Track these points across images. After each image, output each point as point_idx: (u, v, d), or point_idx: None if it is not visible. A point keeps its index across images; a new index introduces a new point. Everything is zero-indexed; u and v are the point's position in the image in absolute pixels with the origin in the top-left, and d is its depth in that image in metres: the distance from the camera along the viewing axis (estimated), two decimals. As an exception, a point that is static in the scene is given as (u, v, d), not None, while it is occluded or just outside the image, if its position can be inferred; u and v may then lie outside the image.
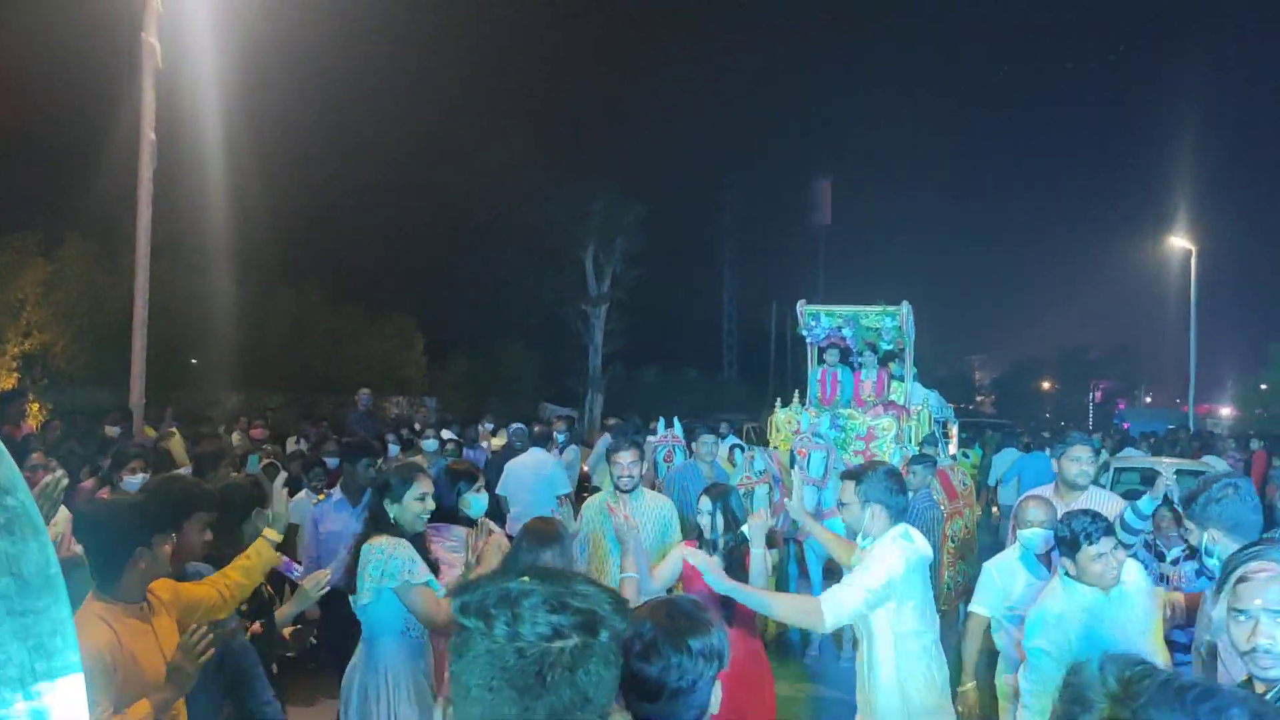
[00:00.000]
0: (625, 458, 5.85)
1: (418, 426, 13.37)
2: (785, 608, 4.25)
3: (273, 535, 4.04)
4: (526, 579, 1.39)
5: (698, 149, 31.26)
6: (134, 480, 7.12)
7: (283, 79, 19.83)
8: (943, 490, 8.23)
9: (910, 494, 7.66)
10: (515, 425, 10.61)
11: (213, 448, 7.66)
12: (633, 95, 28.34)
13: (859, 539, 4.29)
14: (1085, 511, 3.94)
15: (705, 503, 4.90)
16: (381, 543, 4.04)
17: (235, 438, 10.46)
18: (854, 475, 4.31)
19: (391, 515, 4.17)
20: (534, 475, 8.86)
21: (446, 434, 11.15)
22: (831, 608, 3.93)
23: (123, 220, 12.93)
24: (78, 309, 16.43)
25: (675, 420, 9.04)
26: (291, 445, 11.30)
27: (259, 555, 3.91)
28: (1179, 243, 28.32)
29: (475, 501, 4.86)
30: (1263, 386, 30.73)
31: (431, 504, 4.29)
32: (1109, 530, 3.85)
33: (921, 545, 4.06)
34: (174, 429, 9.78)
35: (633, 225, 29.96)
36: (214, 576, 3.68)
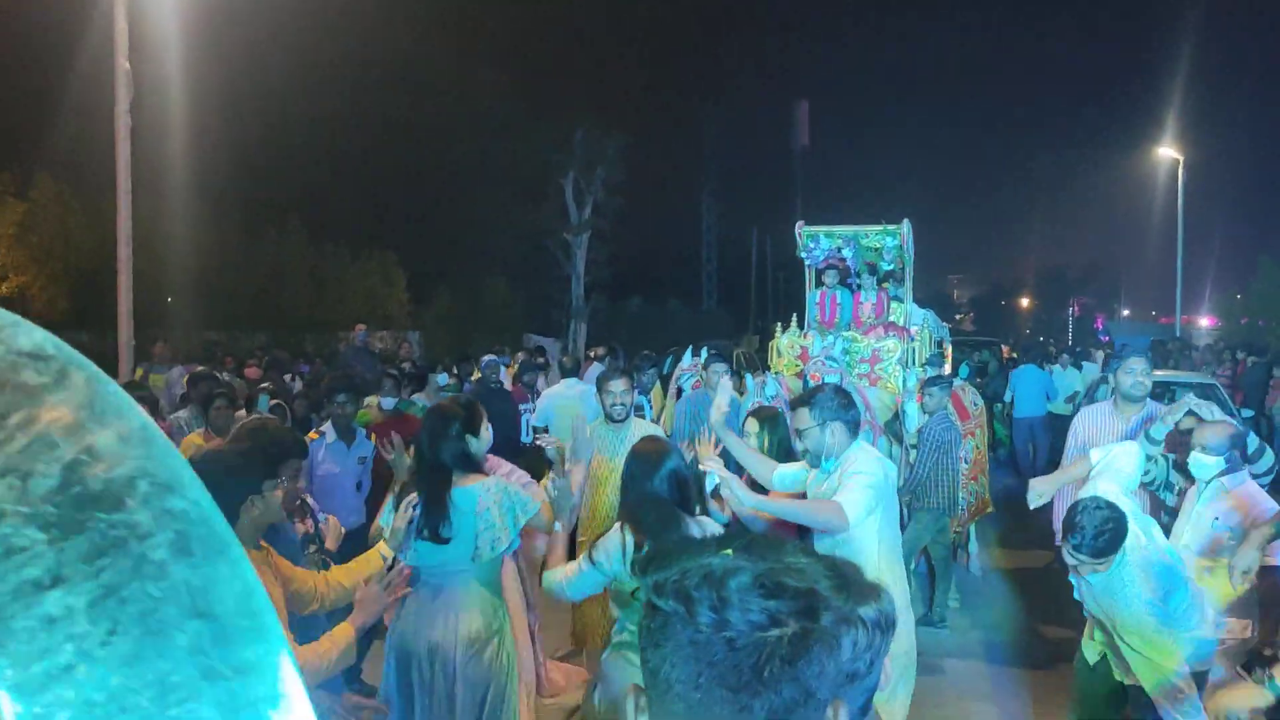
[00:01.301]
0: (617, 386, 5.78)
1: (405, 365, 13.13)
2: (808, 511, 4.19)
3: (386, 551, 3.77)
4: (731, 552, 1.19)
5: (677, 76, 30.78)
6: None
7: (259, 13, 19.22)
8: (955, 410, 8.19)
9: (926, 416, 7.66)
10: (488, 358, 10.39)
11: (210, 387, 7.52)
12: (611, 22, 27.75)
13: (822, 460, 4.22)
14: None
15: (753, 424, 4.87)
16: (497, 482, 3.97)
17: (224, 377, 10.27)
18: (804, 401, 4.24)
19: (473, 450, 4.06)
20: (581, 404, 8.73)
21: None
22: (849, 505, 3.90)
23: (96, 158, 12.55)
24: (53, 250, 16.06)
25: (704, 350, 8.93)
26: (287, 382, 11.11)
27: (368, 564, 3.70)
28: (1166, 152, 28.13)
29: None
30: (1238, 296, 30.88)
31: (491, 434, 4.23)
32: None
33: (882, 457, 4.25)
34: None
35: (613, 154, 29.60)
36: (319, 574, 3.60)
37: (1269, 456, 5.21)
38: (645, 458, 3.81)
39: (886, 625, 1.80)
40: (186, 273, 17.58)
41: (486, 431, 4.18)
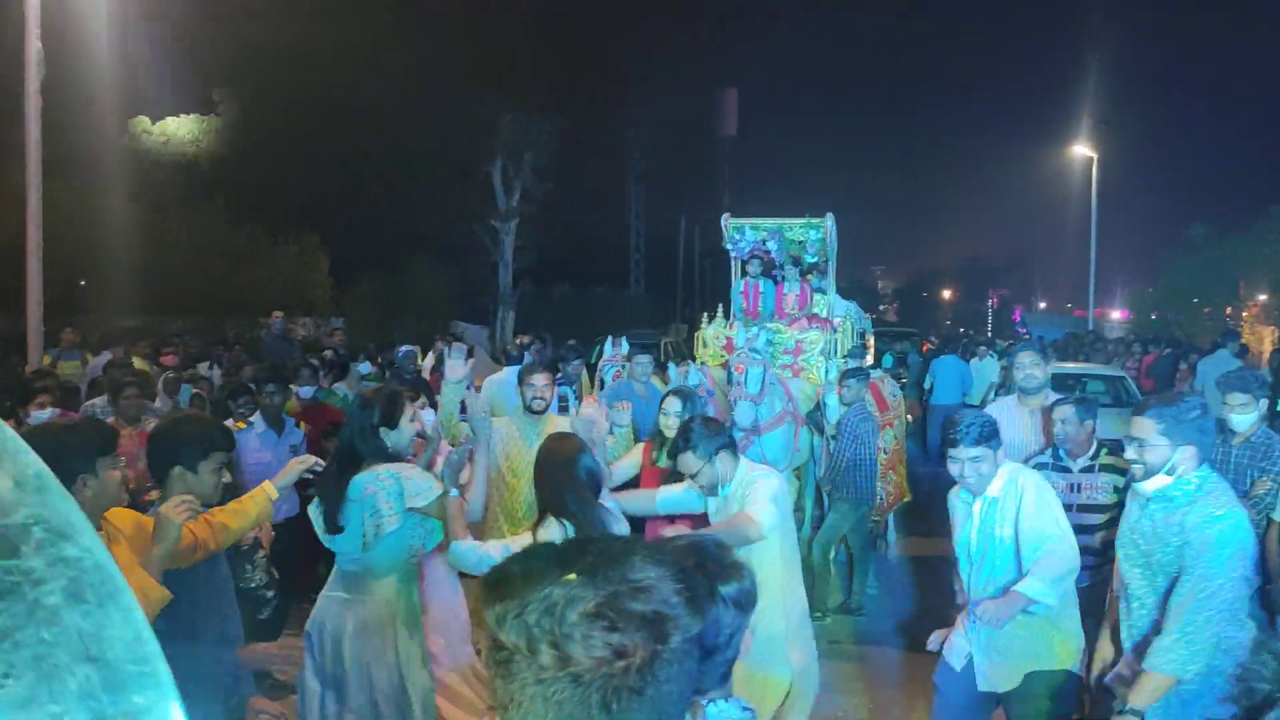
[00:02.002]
0: (539, 380, 5.81)
1: (328, 353, 12.91)
2: (728, 532, 4.02)
3: (271, 492, 3.72)
4: (574, 576, 1.13)
5: (605, 61, 30.59)
6: (41, 415, 6.76)
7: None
8: (874, 401, 8.34)
9: (844, 407, 7.79)
10: (404, 348, 10.29)
11: (122, 375, 7.34)
12: (539, 6, 27.49)
13: (719, 489, 4.27)
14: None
15: (674, 403, 4.93)
16: (388, 469, 3.92)
17: (141, 364, 10.01)
18: (684, 447, 4.20)
19: (388, 444, 4.04)
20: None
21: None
22: (761, 514, 3.97)
23: (6, 139, 12.12)
24: (-39, 233, 15.46)
25: (623, 339, 8.94)
26: (204, 371, 10.88)
27: (254, 504, 3.63)
28: (1081, 150, 28.90)
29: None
30: (1149, 290, 31.87)
31: (419, 425, 4.20)
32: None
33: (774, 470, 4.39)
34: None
35: (541, 139, 29.41)
36: (196, 521, 3.39)
37: None
38: (559, 453, 3.85)
39: (747, 602, 1.89)
40: (100, 256, 17.08)
41: (408, 424, 4.16)
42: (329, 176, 25.65)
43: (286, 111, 24.32)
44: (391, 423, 4.06)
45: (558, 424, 5.81)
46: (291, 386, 7.91)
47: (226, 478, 3.55)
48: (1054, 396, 5.72)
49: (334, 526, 3.94)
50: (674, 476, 4.49)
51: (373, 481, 3.89)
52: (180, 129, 23.99)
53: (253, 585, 4.07)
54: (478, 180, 29.24)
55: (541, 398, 5.75)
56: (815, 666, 4.42)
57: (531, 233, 30.87)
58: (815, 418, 8.16)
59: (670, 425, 4.92)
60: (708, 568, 1.88)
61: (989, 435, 3.92)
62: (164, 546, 3.00)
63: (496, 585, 1.16)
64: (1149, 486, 3.48)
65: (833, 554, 7.84)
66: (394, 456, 4.05)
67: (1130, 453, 3.53)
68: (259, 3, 21.48)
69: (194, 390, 7.79)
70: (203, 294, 19.92)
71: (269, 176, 24.12)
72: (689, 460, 4.14)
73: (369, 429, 4.03)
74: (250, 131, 24.07)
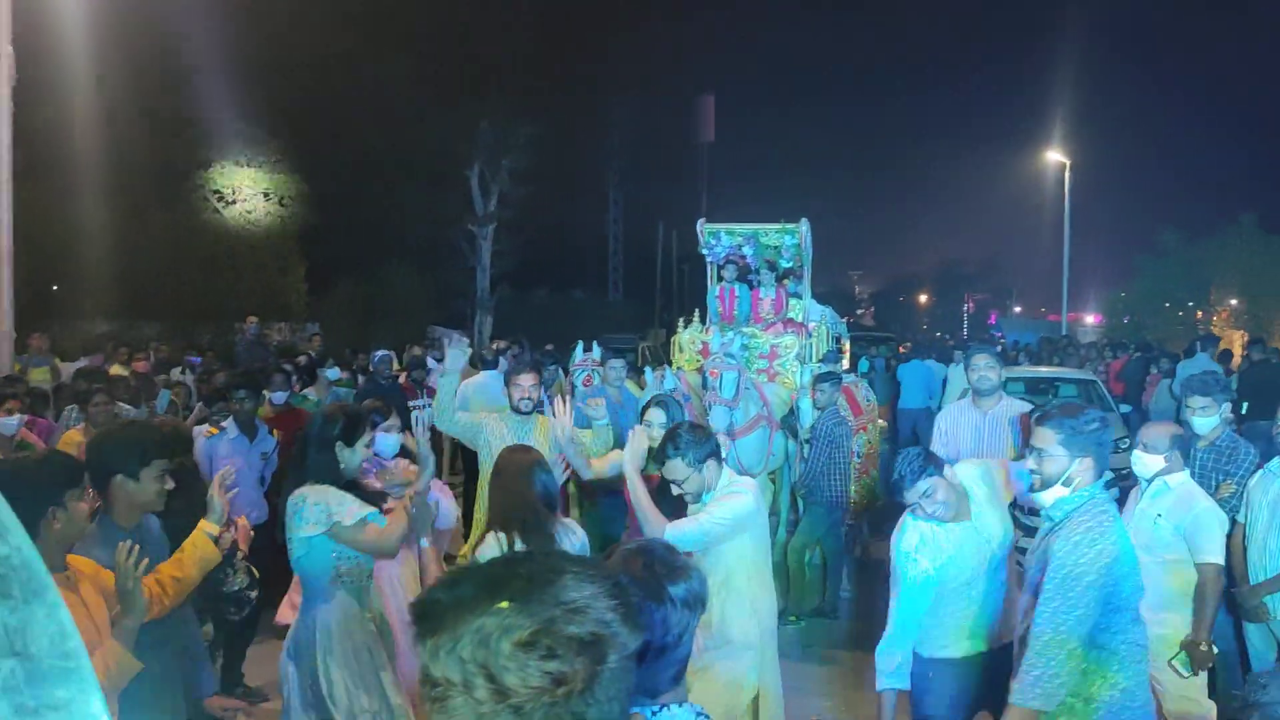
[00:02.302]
0: (526, 380, 5.85)
1: (302, 358, 12.83)
2: (644, 517, 4.23)
3: (210, 528, 3.66)
4: (505, 605, 1.10)
5: (584, 67, 30.57)
6: (10, 421, 6.70)
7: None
8: (848, 406, 8.38)
9: (818, 411, 7.82)
10: (380, 353, 10.24)
11: (91, 382, 7.29)
12: (518, 11, 27.46)
13: (703, 497, 4.27)
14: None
15: (657, 414, 4.96)
16: (304, 492, 3.84)
17: (120, 369, 9.93)
18: (671, 453, 4.19)
19: (341, 461, 3.95)
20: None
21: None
22: (672, 533, 3.99)
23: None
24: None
25: (595, 344, 8.94)
26: (176, 376, 10.82)
27: (195, 549, 3.56)
28: (1055, 156, 29.17)
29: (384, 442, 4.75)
30: (1122, 294, 32.15)
31: (373, 449, 4.17)
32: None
33: (754, 484, 4.38)
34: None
35: (520, 144, 29.37)
36: (147, 576, 3.29)
37: (1248, 455, 5.39)
38: (515, 465, 3.83)
39: (695, 603, 1.89)
40: (73, 261, 16.94)
41: (364, 447, 4.05)
42: (306, 180, 25.55)
43: (261, 114, 24.20)
44: (350, 441, 3.98)
45: (546, 425, 5.87)
46: (264, 392, 7.88)
47: (169, 484, 3.48)
48: (1006, 399, 5.80)
49: (280, 542, 3.96)
50: (664, 485, 4.50)
51: (299, 500, 3.83)
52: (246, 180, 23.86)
53: (235, 588, 4.04)
54: (455, 185, 29.16)
55: (529, 398, 5.80)
56: (772, 653, 4.44)
57: (509, 237, 30.81)
58: (790, 422, 8.20)
59: (655, 436, 4.92)
60: (656, 569, 1.88)
61: (924, 466, 3.90)
62: (135, 616, 2.94)
63: (425, 617, 1.13)
64: (1046, 499, 3.38)
65: (807, 558, 7.87)
66: (339, 474, 3.96)
67: (1029, 463, 3.45)
68: (234, 9, 21.35)
69: (171, 397, 7.74)
70: (177, 299, 19.77)
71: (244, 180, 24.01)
72: (677, 467, 4.15)
73: (327, 442, 3.97)
74: (225, 135, 23.92)
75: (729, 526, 4.10)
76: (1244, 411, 11.00)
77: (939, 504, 3.88)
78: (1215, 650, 4.35)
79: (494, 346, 13.80)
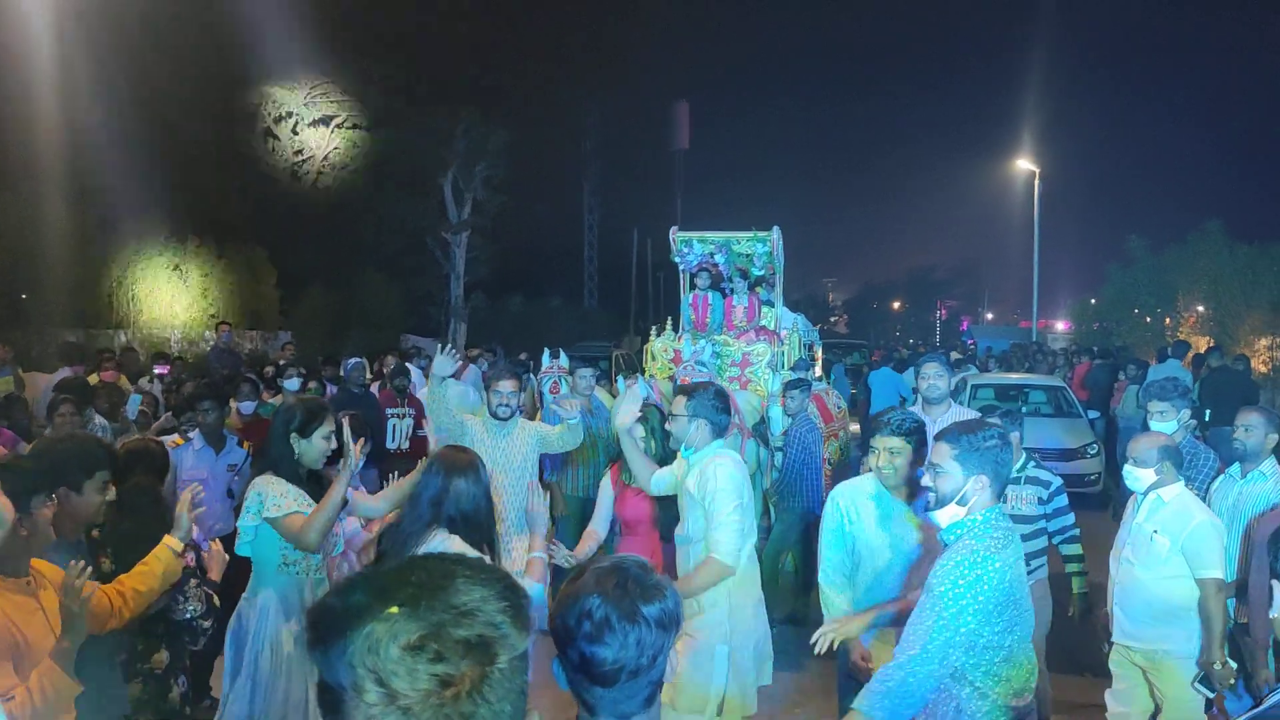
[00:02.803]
0: (505, 386, 5.91)
1: (270, 369, 12.71)
2: (698, 586, 4.24)
3: (174, 544, 3.67)
4: (395, 609, 1.11)
5: (559, 73, 30.65)
6: (-30, 431, 6.63)
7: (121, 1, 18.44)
8: (819, 413, 8.42)
9: (789, 419, 7.86)
10: (353, 360, 10.21)
11: (58, 395, 7.20)
12: (492, 17, 27.49)
13: (681, 449, 4.53)
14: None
15: (639, 429, 5.06)
16: (259, 483, 4.03)
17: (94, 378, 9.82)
18: (686, 391, 4.52)
19: (296, 451, 4.11)
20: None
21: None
22: (726, 552, 4.16)
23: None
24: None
25: (560, 351, 8.96)
26: (144, 385, 10.71)
27: (159, 562, 3.56)
28: (1025, 165, 29.47)
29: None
30: (1092, 301, 32.37)
31: (335, 443, 4.20)
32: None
33: (739, 461, 4.47)
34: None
35: (495, 151, 29.33)
36: (109, 585, 3.35)
37: (1208, 460, 5.43)
38: (444, 464, 3.74)
39: (670, 623, 1.83)
40: (43, 269, 16.73)
41: (321, 439, 4.15)
42: (276, 188, 25.41)
43: (233, 122, 24.09)
44: (305, 432, 4.11)
45: (527, 429, 5.99)
46: (231, 402, 7.83)
47: (110, 495, 3.49)
48: (956, 407, 5.85)
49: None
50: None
51: (250, 494, 4.06)
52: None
53: (186, 616, 4.03)
54: (429, 192, 29.09)
55: (507, 404, 5.86)
56: (767, 648, 4.52)
57: (484, 245, 30.77)
58: (761, 430, 8.22)
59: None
60: (629, 587, 1.84)
61: (911, 431, 4.00)
62: (74, 639, 2.91)
63: (318, 625, 1.14)
64: (941, 518, 3.24)
65: (780, 565, 7.89)
66: (295, 465, 4.12)
67: (925, 479, 3.34)
68: (208, 15, 21.23)
69: (141, 407, 7.67)
70: (147, 307, 19.58)
71: (215, 187, 23.84)
72: (678, 402, 4.44)
73: (282, 434, 4.12)
74: (196, 142, 23.75)
75: (739, 527, 4.26)
76: (1206, 418, 11.15)
77: (895, 469, 3.99)
78: (1234, 665, 4.24)
79: (470, 355, 13.75)
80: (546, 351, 8.91)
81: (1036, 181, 28.06)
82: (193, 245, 21.44)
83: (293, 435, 4.11)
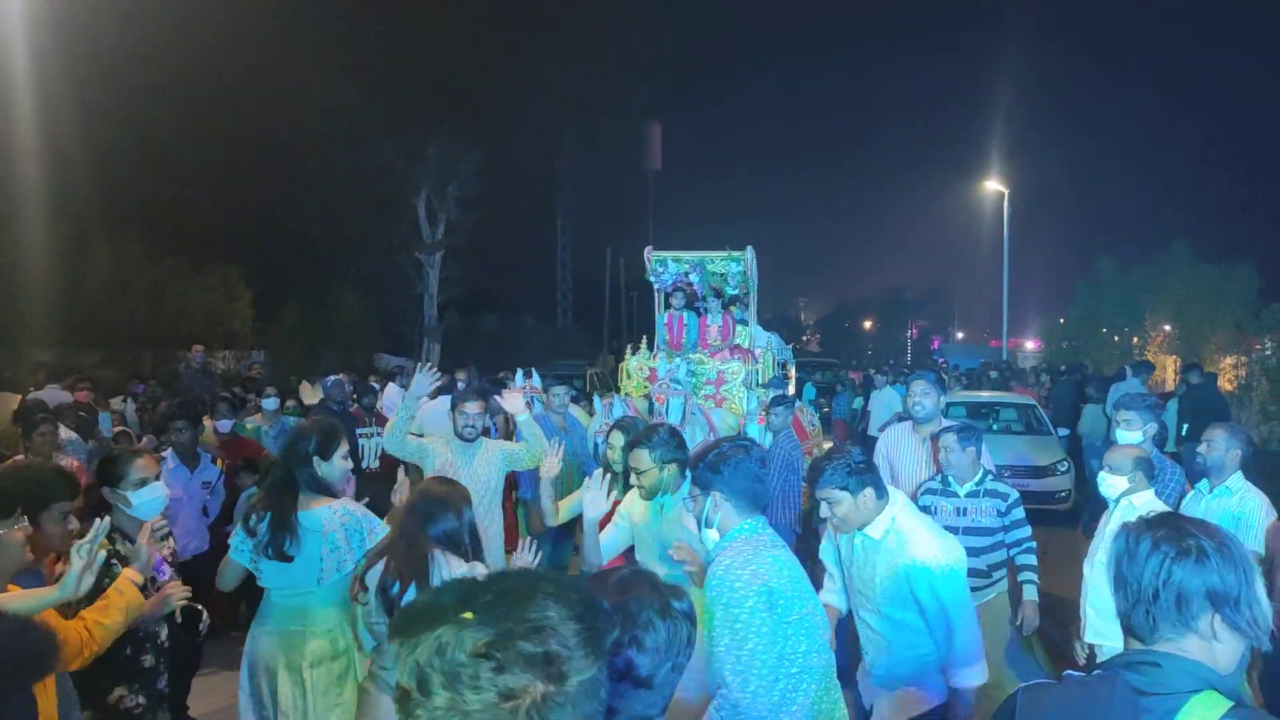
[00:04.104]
0: (471, 408, 5.92)
1: (238, 388, 12.67)
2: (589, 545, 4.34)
3: (135, 576, 3.54)
4: (471, 615, 1.11)
5: (532, 93, 30.75)
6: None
7: (93, 18, 18.36)
8: (793, 430, 8.50)
9: (772, 435, 7.93)
10: (332, 378, 10.25)
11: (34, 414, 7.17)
12: (465, 38, 27.56)
13: (657, 496, 4.35)
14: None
15: (619, 437, 5.03)
16: (344, 505, 4.01)
17: (66, 394, 9.77)
18: (643, 443, 4.31)
19: (321, 474, 4.08)
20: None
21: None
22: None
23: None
24: None
25: (534, 371, 9.01)
26: (117, 405, 10.66)
27: (120, 595, 3.44)
28: (994, 186, 29.88)
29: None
30: (1060, 320, 32.73)
31: (351, 463, 4.23)
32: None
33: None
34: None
35: (468, 170, 29.39)
36: (77, 622, 3.26)
37: (1175, 476, 5.56)
38: (432, 500, 3.76)
39: (694, 617, 1.93)
40: (14, 287, 16.59)
41: (341, 459, 4.18)
42: (251, 207, 25.30)
43: (208, 141, 24.00)
44: (325, 454, 4.11)
45: (491, 449, 5.95)
46: (207, 421, 7.82)
47: (74, 525, 3.38)
48: (945, 423, 5.97)
49: (283, 555, 3.95)
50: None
51: (330, 517, 3.96)
52: None
53: (146, 666, 3.88)
54: (403, 212, 29.09)
55: (473, 425, 5.88)
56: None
57: (457, 264, 30.75)
58: (736, 447, 8.26)
59: (615, 458, 5.06)
60: (659, 587, 1.95)
61: (849, 475, 3.80)
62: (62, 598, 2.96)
63: (401, 622, 1.16)
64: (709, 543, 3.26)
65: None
66: (326, 487, 4.09)
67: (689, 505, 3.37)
68: (182, 34, 21.18)
69: (117, 428, 7.65)
70: (120, 326, 19.40)
71: (190, 207, 23.72)
72: (642, 456, 4.26)
73: (304, 457, 4.09)
74: (171, 161, 23.64)
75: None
76: (1184, 434, 11.35)
77: (836, 517, 3.82)
78: None
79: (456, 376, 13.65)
80: (520, 371, 8.96)
81: (1005, 202, 28.45)
82: (168, 263, 21.30)
83: (315, 459, 4.09)
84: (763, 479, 3.19)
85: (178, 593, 3.61)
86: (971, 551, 5.06)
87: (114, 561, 3.65)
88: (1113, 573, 2.03)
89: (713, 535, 3.19)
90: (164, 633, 3.95)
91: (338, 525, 3.98)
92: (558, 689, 1.09)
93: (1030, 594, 5.28)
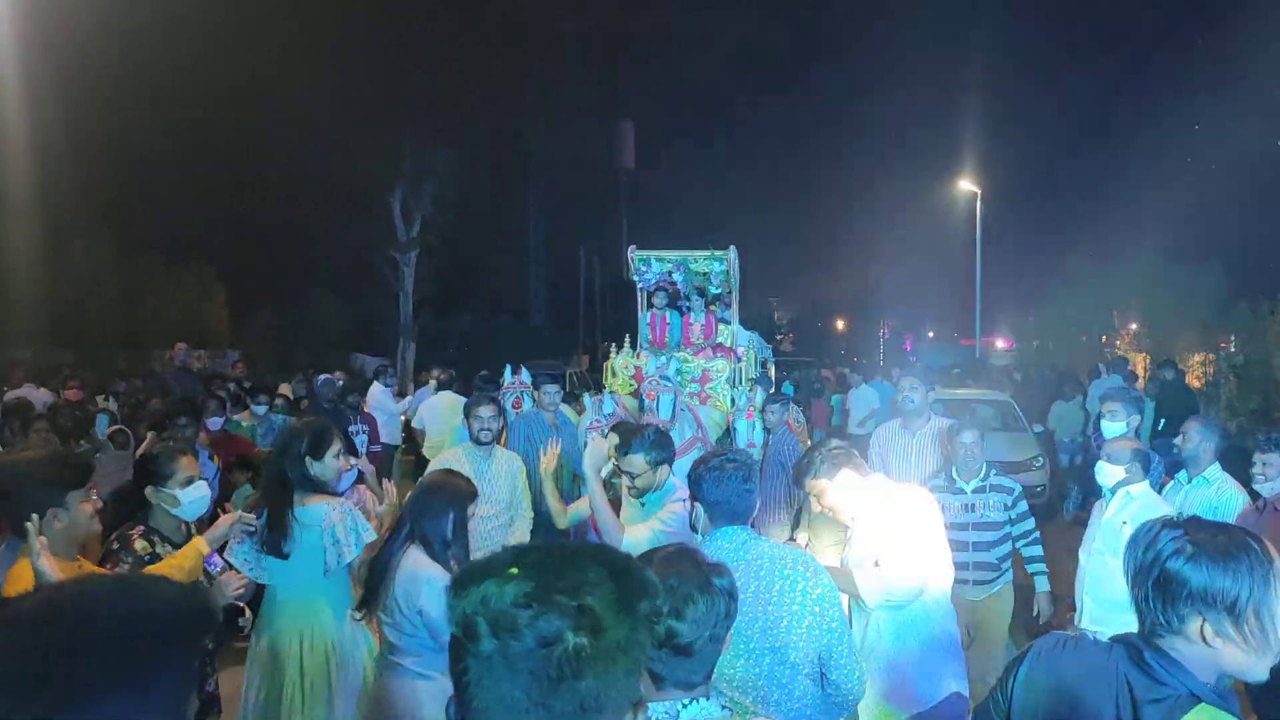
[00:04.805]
0: (485, 412, 5.97)
1: (230, 386, 12.67)
2: (604, 522, 4.41)
3: (202, 546, 3.72)
4: (515, 570, 1.23)
5: (506, 92, 30.64)
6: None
7: (66, 15, 18.18)
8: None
9: (768, 432, 8.04)
10: (323, 377, 10.29)
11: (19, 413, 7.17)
12: (437, 36, 27.44)
13: (647, 495, 4.54)
14: None
15: (615, 437, 5.13)
16: (341, 503, 4.06)
17: (44, 393, 9.75)
18: (635, 448, 4.48)
19: (314, 473, 4.12)
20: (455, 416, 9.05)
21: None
22: (628, 539, 4.19)
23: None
24: None
25: (522, 367, 9.06)
26: (101, 403, 10.62)
27: (187, 559, 3.59)
28: (966, 186, 30.20)
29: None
30: (1030, 319, 33.14)
31: (344, 462, 4.26)
32: None
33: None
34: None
35: (442, 169, 29.29)
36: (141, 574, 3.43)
37: (1156, 466, 5.77)
38: (433, 491, 3.87)
39: (735, 593, 2.08)
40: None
41: (334, 458, 4.21)
42: (224, 206, 25.14)
43: (181, 140, 23.81)
44: (316, 454, 4.15)
45: (508, 457, 6.06)
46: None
47: (96, 502, 3.43)
48: (935, 418, 6.11)
49: (278, 552, 4.02)
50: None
51: (329, 512, 4.02)
52: None
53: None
54: (377, 211, 28.95)
55: (488, 429, 5.90)
56: None
57: (432, 263, 30.65)
58: (725, 444, 8.38)
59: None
60: (701, 564, 2.09)
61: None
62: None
63: (459, 576, 1.29)
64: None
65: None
66: (319, 487, 4.14)
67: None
68: (156, 34, 21.03)
69: (113, 427, 7.66)
70: (95, 325, 19.28)
71: (163, 206, 23.56)
72: (636, 461, 4.43)
73: (297, 457, 4.13)
74: (144, 160, 23.47)
75: (675, 532, 4.28)
76: (1159, 428, 11.60)
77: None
78: None
79: (440, 377, 13.49)
80: (508, 367, 9.02)
81: (978, 203, 28.76)
82: (142, 262, 21.19)
83: (307, 459, 4.13)
84: (744, 493, 3.19)
85: (233, 583, 3.65)
86: (980, 546, 5.35)
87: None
88: (1127, 564, 2.10)
89: (698, 540, 3.29)
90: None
91: (337, 520, 4.05)
92: (591, 643, 1.19)
93: (1043, 585, 5.48)
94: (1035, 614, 5.54)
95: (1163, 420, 11.70)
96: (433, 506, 3.76)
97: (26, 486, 3.05)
